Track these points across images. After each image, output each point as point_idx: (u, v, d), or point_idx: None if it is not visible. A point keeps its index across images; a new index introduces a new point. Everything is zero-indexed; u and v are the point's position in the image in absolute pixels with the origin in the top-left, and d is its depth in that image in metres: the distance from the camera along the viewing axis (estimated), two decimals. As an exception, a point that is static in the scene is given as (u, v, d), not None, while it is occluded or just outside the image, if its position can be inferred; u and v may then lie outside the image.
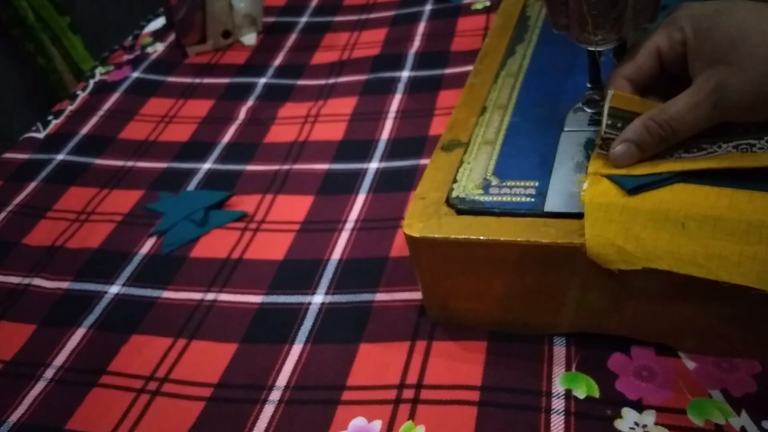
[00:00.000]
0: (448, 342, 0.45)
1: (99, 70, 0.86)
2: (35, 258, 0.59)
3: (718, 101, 0.39)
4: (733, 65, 0.38)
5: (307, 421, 0.42)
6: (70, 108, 0.79)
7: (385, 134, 0.66)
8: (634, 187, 0.39)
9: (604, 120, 0.41)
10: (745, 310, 0.38)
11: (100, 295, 0.54)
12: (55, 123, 0.77)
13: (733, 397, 0.39)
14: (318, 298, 0.50)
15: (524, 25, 0.60)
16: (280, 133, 0.69)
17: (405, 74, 0.73)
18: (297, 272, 0.53)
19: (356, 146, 0.65)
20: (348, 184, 0.60)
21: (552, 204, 0.42)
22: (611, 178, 0.40)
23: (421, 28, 0.81)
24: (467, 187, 0.44)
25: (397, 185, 0.59)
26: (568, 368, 0.42)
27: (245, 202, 0.61)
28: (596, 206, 0.38)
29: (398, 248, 0.53)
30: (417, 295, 0.48)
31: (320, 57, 0.81)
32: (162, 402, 0.45)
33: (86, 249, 0.59)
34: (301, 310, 0.50)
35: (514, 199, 0.43)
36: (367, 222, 0.56)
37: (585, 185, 0.40)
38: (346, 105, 0.71)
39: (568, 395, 0.41)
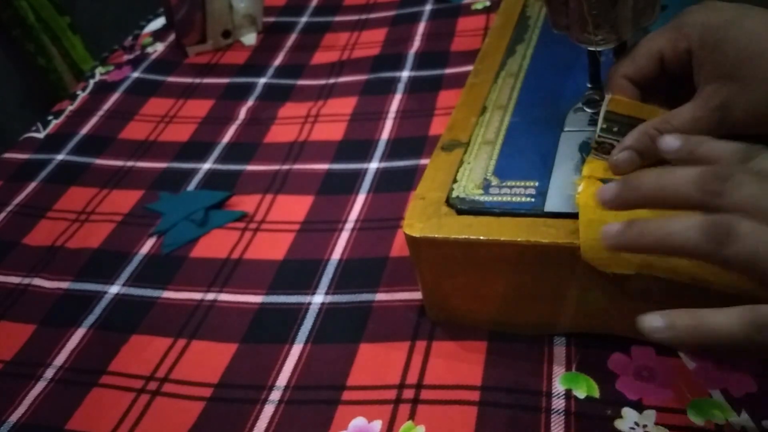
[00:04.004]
0: (448, 342, 0.45)
1: (99, 70, 0.86)
2: (35, 258, 0.59)
3: (723, 118, 0.38)
4: (742, 83, 0.37)
5: (307, 421, 0.42)
6: (70, 108, 0.79)
7: (385, 134, 0.66)
8: None
9: (600, 123, 0.41)
10: (745, 310, 0.38)
11: (100, 295, 0.54)
12: (55, 123, 0.77)
13: (733, 397, 0.39)
14: (318, 298, 0.50)
15: (524, 25, 0.60)
16: (280, 133, 0.69)
17: (405, 74, 0.73)
18: (297, 272, 0.53)
19: (356, 146, 0.65)
20: (348, 184, 0.60)
21: (552, 204, 0.42)
22: (605, 182, 0.40)
23: (421, 28, 0.81)
24: (467, 187, 0.44)
25: (397, 185, 0.59)
26: (568, 368, 0.42)
27: (245, 202, 0.61)
28: (591, 209, 0.39)
29: (398, 248, 0.53)
30: (417, 295, 0.48)
31: (320, 57, 0.81)
32: (162, 402, 0.45)
33: (86, 249, 0.59)
34: (301, 310, 0.50)
35: (514, 199, 0.43)
36: (367, 222, 0.56)
37: (580, 188, 0.40)
38: (346, 105, 0.71)
39: (568, 395, 0.41)
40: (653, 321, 0.31)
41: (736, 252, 0.30)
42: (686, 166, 0.33)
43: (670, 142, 0.36)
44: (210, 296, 0.52)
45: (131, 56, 0.87)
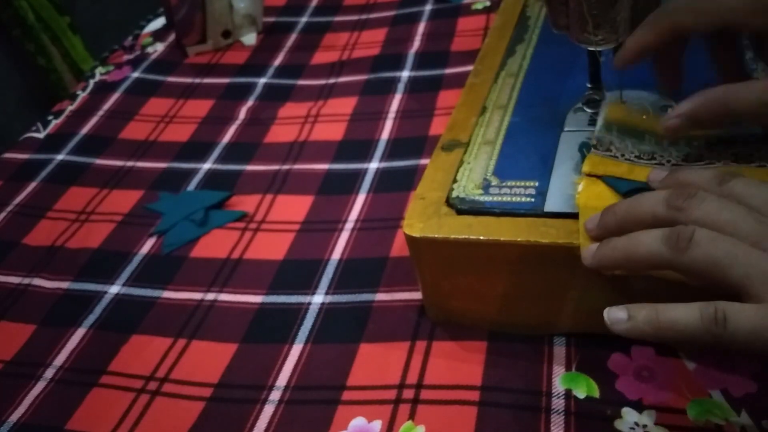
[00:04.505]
0: (448, 342, 0.45)
1: (99, 70, 0.86)
2: (35, 258, 0.59)
3: None
4: None
5: (307, 420, 0.42)
6: (70, 108, 0.79)
7: (385, 134, 0.66)
8: (628, 190, 0.39)
9: (599, 124, 0.42)
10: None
11: (100, 295, 0.54)
12: (55, 123, 0.77)
13: (733, 397, 0.39)
14: (318, 298, 0.50)
15: (524, 25, 0.60)
16: (280, 133, 0.69)
17: (405, 74, 0.73)
18: (297, 272, 0.53)
19: (356, 146, 0.65)
20: (348, 184, 0.60)
21: (552, 204, 0.42)
22: (606, 180, 0.40)
23: (421, 28, 0.81)
24: (467, 187, 0.44)
25: (397, 185, 0.59)
26: (568, 368, 0.42)
27: (245, 202, 0.61)
28: (591, 209, 0.39)
29: (398, 248, 0.53)
30: (417, 295, 0.48)
31: (320, 57, 0.81)
32: (162, 402, 0.45)
33: (86, 249, 0.59)
34: (301, 310, 0.50)
35: (514, 199, 0.43)
36: (367, 222, 0.56)
37: (580, 188, 0.40)
38: (346, 105, 0.71)
39: (568, 395, 0.41)
40: (615, 313, 0.33)
41: (694, 258, 0.32)
42: (658, 190, 0.36)
43: (658, 173, 0.39)
44: (210, 296, 0.52)
45: (131, 56, 0.87)
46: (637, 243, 0.34)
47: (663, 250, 0.33)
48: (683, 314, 0.31)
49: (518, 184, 0.43)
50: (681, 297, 0.39)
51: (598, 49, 0.43)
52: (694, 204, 0.33)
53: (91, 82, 0.83)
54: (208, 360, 0.47)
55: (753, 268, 0.31)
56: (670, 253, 0.33)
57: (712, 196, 0.33)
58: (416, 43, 0.78)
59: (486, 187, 0.44)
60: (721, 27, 0.39)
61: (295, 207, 0.59)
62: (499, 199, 0.43)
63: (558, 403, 0.40)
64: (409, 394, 0.43)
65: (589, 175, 0.41)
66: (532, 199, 0.42)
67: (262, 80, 0.78)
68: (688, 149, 0.40)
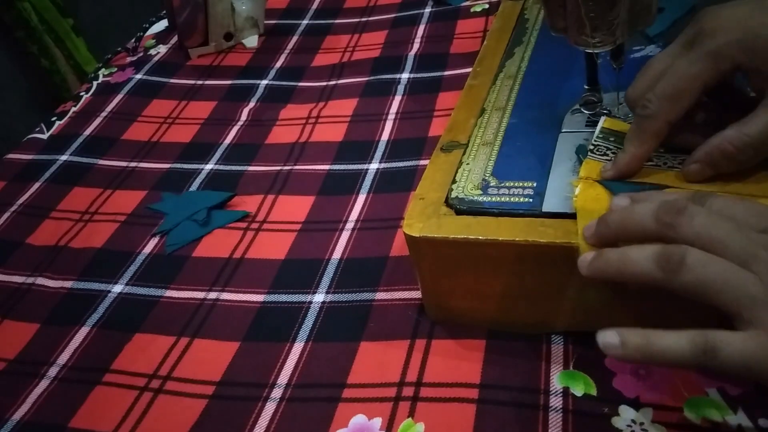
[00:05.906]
0: (447, 340, 0.46)
1: (102, 72, 0.86)
2: (39, 257, 0.59)
3: None
4: None
5: (308, 418, 0.43)
6: (74, 109, 0.79)
7: (385, 135, 0.66)
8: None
9: (596, 133, 0.43)
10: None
11: (104, 294, 0.55)
12: (58, 124, 0.77)
13: (729, 396, 0.39)
14: (319, 297, 0.51)
15: (522, 27, 0.60)
16: (282, 134, 0.69)
17: (405, 76, 0.74)
18: (298, 272, 0.53)
19: (357, 147, 0.65)
20: (348, 184, 0.61)
21: (550, 204, 0.42)
22: (602, 183, 0.40)
23: (421, 30, 0.82)
24: (466, 187, 0.45)
25: (397, 186, 0.60)
26: (565, 366, 0.42)
27: (247, 203, 0.61)
28: (588, 212, 0.39)
29: (398, 248, 0.53)
30: (417, 295, 0.48)
31: (321, 59, 0.81)
32: (165, 400, 0.46)
33: (90, 249, 0.59)
34: (302, 309, 0.50)
35: (512, 199, 0.43)
36: (368, 222, 0.57)
37: (577, 190, 0.41)
38: (346, 106, 0.71)
39: (565, 393, 0.41)
40: (608, 338, 0.33)
41: (686, 281, 0.32)
42: (647, 202, 0.36)
43: (620, 201, 0.38)
44: (212, 295, 0.53)
45: (134, 58, 0.88)
46: (628, 260, 0.34)
47: (654, 271, 0.33)
48: (673, 344, 0.32)
49: (516, 184, 0.44)
50: (679, 297, 0.39)
51: (596, 51, 0.44)
52: (684, 221, 0.33)
53: (95, 84, 0.84)
54: (211, 358, 0.48)
55: (742, 292, 0.31)
56: (661, 275, 0.33)
57: (702, 212, 0.33)
58: (416, 46, 0.79)
59: (485, 187, 0.44)
60: (701, 97, 0.38)
61: (296, 207, 0.60)
62: (498, 199, 0.43)
63: (556, 401, 0.41)
64: (408, 391, 0.43)
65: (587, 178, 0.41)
66: (531, 200, 0.43)
67: (264, 82, 0.78)
68: (684, 155, 0.41)
